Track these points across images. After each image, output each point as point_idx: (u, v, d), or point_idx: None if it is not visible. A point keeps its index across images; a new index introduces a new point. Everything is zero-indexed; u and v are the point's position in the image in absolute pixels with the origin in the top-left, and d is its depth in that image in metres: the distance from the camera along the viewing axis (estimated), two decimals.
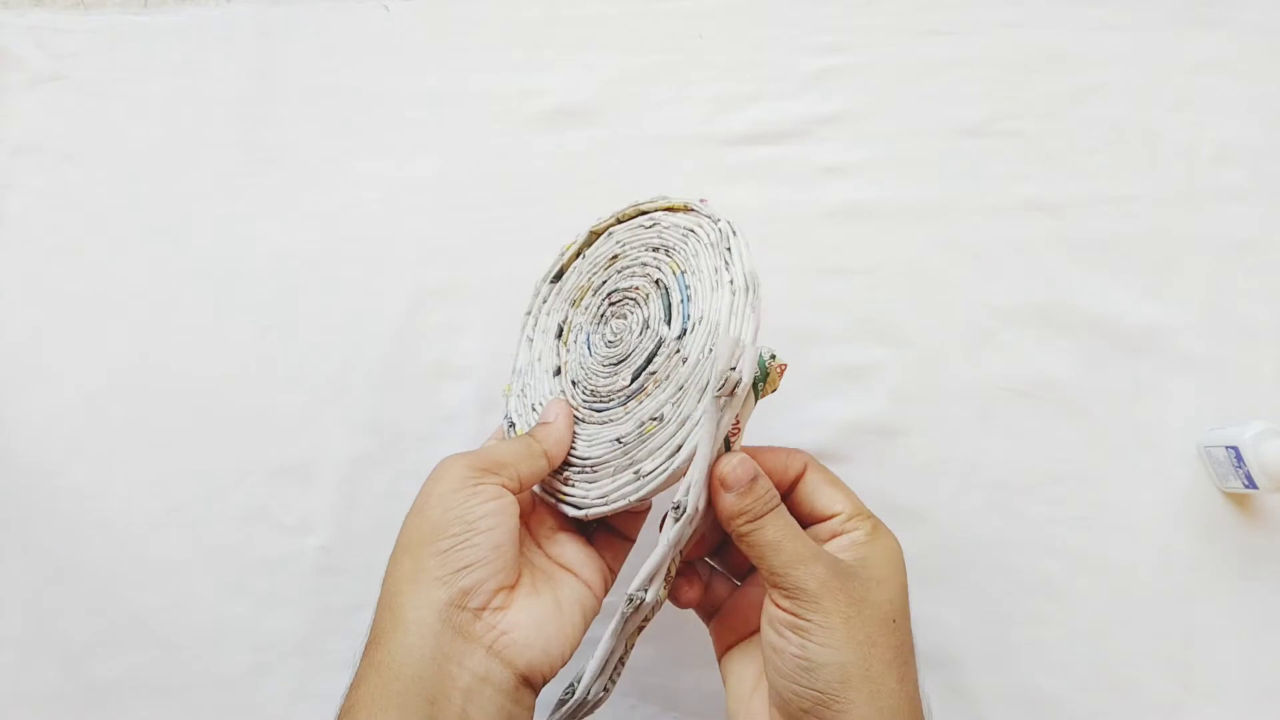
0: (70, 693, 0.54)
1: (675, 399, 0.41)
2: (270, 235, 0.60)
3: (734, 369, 0.39)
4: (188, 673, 0.54)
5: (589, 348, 0.47)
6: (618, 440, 0.43)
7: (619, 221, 0.48)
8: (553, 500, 0.45)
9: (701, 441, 0.39)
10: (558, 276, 0.50)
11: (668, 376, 0.42)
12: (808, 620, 0.37)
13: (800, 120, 0.61)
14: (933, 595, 0.54)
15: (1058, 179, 0.60)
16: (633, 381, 0.44)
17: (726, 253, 0.42)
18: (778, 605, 0.39)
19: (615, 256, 0.47)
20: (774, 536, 0.39)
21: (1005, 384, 0.57)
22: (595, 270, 0.48)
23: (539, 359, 0.49)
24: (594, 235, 0.49)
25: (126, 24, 0.64)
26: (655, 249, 0.46)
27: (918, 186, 0.60)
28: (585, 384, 0.46)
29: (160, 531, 0.56)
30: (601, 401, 0.45)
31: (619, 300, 0.46)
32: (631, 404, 0.43)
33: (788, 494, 0.44)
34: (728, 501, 0.40)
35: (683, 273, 0.44)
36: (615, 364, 0.45)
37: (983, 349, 0.58)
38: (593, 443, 0.44)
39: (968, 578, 0.55)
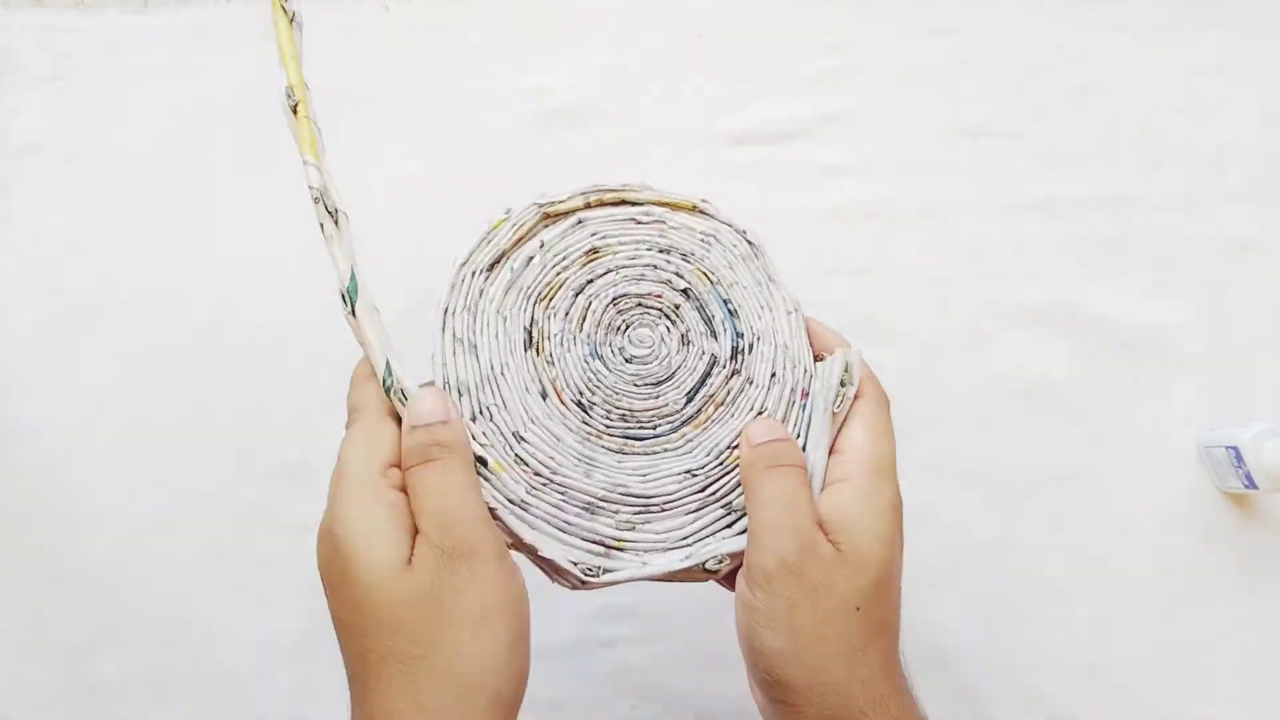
0: (70, 692, 0.54)
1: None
2: (270, 234, 0.60)
3: (844, 385, 0.38)
4: (188, 672, 0.54)
5: (603, 363, 0.40)
6: (689, 473, 0.38)
7: (589, 206, 0.41)
8: (599, 551, 0.37)
9: (816, 464, 0.38)
10: (492, 265, 0.41)
11: (732, 400, 0.39)
12: (754, 600, 0.35)
13: (800, 120, 0.61)
14: (933, 595, 0.54)
15: (1057, 179, 0.60)
16: (687, 404, 0.39)
17: (768, 267, 0.41)
18: (741, 578, 0.37)
19: (595, 250, 0.41)
20: (772, 493, 0.36)
21: (1005, 384, 0.57)
22: (564, 264, 0.40)
23: (500, 373, 0.39)
24: (548, 217, 0.41)
25: (127, 24, 0.64)
26: (664, 250, 0.41)
27: (917, 187, 0.60)
28: (608, 405, 0.39)
29: (160, 531, 0.56)
30: (643, 427, 0.39)
31: (631, 308, 0.40)
32: (689, 429, 0.39)
33: None
34: (745, 451, 0.38)
35: (715, 283, 0.41)
36: (653, 384, 0.39)
37: (983, 349, 0.58)
38: (650, 477, 0.38)
39: (968, 578, 0.55)
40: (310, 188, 0.38)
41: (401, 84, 0.62)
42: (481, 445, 0.37)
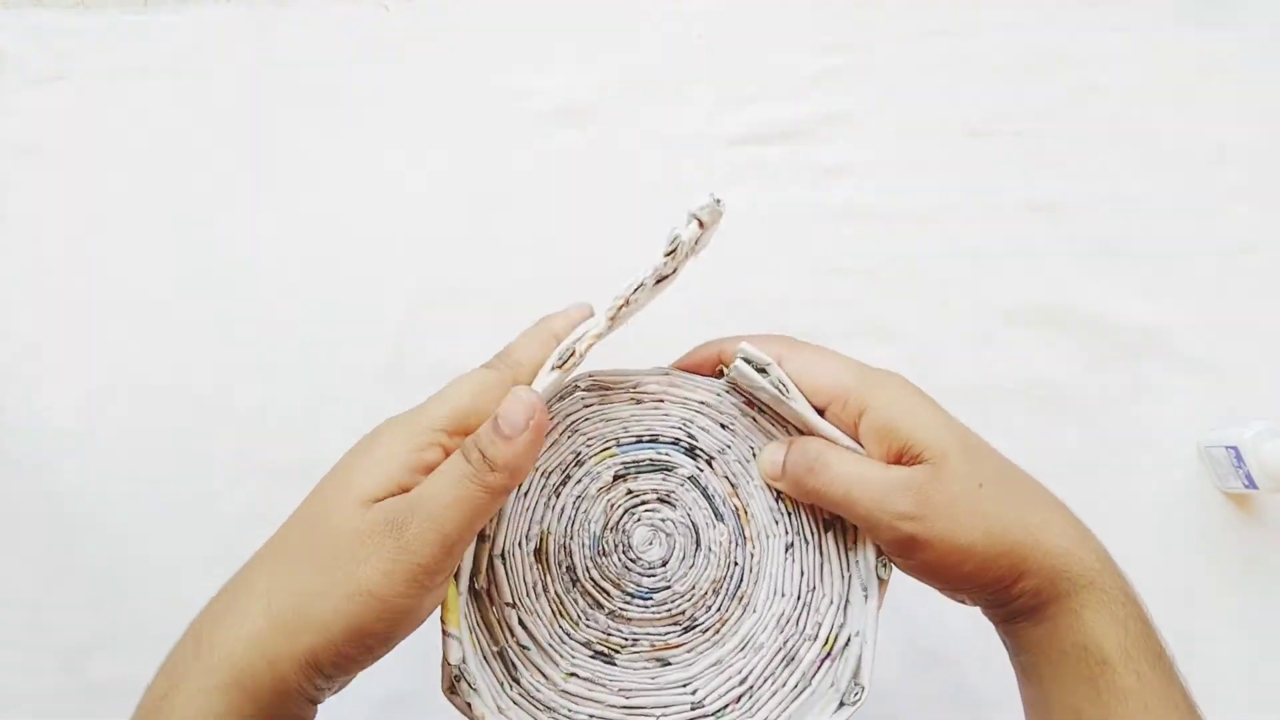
0: (69, 692, 0.54)
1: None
2: (270, 235, 0.60)
3: (764, 373, 0.37)
4: None
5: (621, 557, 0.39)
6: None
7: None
8: None
9: (822, 428, 0.37)
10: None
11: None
12: (924, 541, 0.34)
13: (801, 121, 0.61)
14: (933, 595, 0.54)
15: (1057, 179, 0.60)
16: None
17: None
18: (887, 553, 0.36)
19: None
20: (840, 471, 0.36)
21: (1005, 384, 0.57)
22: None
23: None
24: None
25: (126, 24, 0.63)
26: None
27: (918, 187, 0.60)
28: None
29: (160, 531, 0.56)
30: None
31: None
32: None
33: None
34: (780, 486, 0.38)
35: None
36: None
37: (983, 349, 0.58)
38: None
39: None
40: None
41: (400, 84, 0.62)
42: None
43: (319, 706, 0.35)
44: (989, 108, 0.61)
